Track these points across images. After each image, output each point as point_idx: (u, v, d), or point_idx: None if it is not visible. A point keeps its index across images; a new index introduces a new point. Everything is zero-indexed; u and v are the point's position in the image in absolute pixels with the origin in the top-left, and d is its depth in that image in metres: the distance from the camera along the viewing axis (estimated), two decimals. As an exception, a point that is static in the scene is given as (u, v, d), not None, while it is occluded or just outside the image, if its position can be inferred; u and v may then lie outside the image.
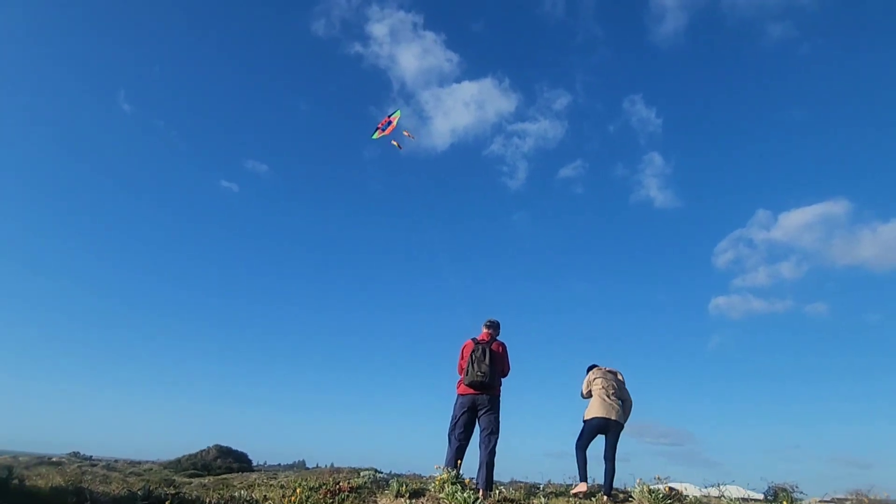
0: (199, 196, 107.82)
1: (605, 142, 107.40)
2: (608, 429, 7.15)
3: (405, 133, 11.30)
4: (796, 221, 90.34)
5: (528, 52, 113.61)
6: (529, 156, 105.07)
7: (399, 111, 11.29)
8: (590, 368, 7.90)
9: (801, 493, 6.80)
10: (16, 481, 6.47)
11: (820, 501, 6.98)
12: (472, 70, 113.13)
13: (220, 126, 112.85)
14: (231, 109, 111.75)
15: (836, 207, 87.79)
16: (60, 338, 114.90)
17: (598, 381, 7.54)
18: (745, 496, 7.80)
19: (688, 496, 6.55)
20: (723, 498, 6.74)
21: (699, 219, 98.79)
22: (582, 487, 6.94)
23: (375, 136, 11.30)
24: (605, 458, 7.01)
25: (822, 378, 79.98)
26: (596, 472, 7.18)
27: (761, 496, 7.49)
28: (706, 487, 7.72)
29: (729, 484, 7.44)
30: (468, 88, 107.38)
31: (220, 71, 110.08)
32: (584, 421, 7.30)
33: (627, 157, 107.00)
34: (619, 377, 7.71)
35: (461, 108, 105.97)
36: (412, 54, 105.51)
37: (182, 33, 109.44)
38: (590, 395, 7.54)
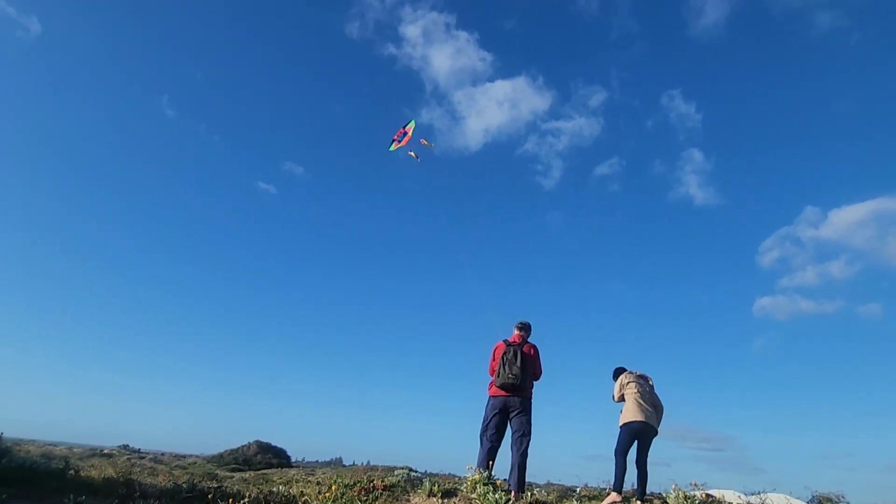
0: (239, 197, 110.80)
1: (643, 138, 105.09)
2: (645, 434, 7.02)
3: (423, 142, 11.25)
4: (848, 218, 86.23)
5: (562, 49, 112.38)
6: (564, 154, 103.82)
7: (413, 121, 11.20)
8: (618, 372, 7.76)
9: (847, 502, 6.56)
10: (72, 472, 6.87)
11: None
12: (505, 69, 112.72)
13: (258, 129, 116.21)
14: (268, 112, 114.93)
15: (890, 203, 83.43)
16: (111, 334, 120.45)
17: (632, 385, 7.40)
18: (788, 504, 7.54)
19: (725, 503, 6.40)
20: (762, 506, 6.56)
21: (742, 217, 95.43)
22: (615, 498, 6.75)
23: (392, 148, 11.25)
24: (638, 463, 6.88)
25: (876, 382, 75.93)
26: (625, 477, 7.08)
27: (804, 504, 7.26)
28: (747, 495, 7.52)
29: (770, 492, 7.23)
30: (501, 87, 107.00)
31: (257, 75, 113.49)
32: (622, 426, 7.14)
33: (666, 153, 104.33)
34: (650, 382, 7.57)
35: (494, 107, 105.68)
36: (445, 54, 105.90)
37: (220, 40, 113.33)
38: (622, 399, 7.41)
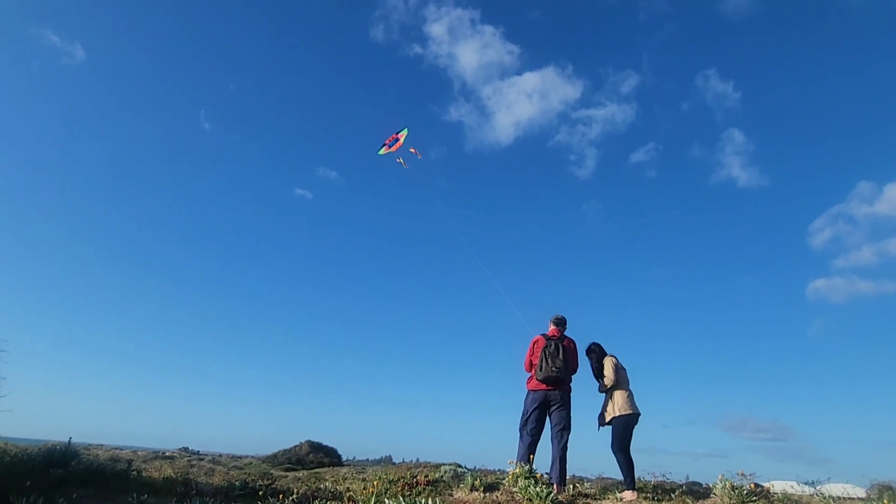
0: (279, 204, 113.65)
1: (679, 122, 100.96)
2: (636, 425, 7.00)
3: (412, 150, 11.33)
4: None
5: (590, 36, 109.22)
6: (597, 143, 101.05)
7: (406, 129, 11.34)
8: (601, 350, 7.48)
9: (911, 491, 6.25)
10: (135, 473, 7.32)
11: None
12: (533, 60, 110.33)
13: (291, 136, 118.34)
14: (300, 120, 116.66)
15: (950, 173, 77.39)
16: (168, 338, 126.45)
17: (623, 371, 7.25)
18: (846, 494, 7.24)
19: (775, 493, 6.21)
20: (816, 496, 6.33)
21: (790, 197, 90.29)
22: (632, 496, 6.58)
23: (381, 151, 11.41)
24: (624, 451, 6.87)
25: (951, 365, 70.82)
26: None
27: (864, 494, 6.96)
28: (802, 484, 7.27)
29: (827, 482, 6.97)
30: (530, 79, 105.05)
31: (286, 84, 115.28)
32: (622, 417, 6.90)
33: (704, 136, 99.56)
34: None
35: (524, 99, 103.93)
36: (471, 50, 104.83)
37: (249, 52, 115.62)
38: (614, 385, 7.13)
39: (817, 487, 6.80)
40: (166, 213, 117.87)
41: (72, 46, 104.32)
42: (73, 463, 6.80)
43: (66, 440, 8.13)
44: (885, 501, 5.48)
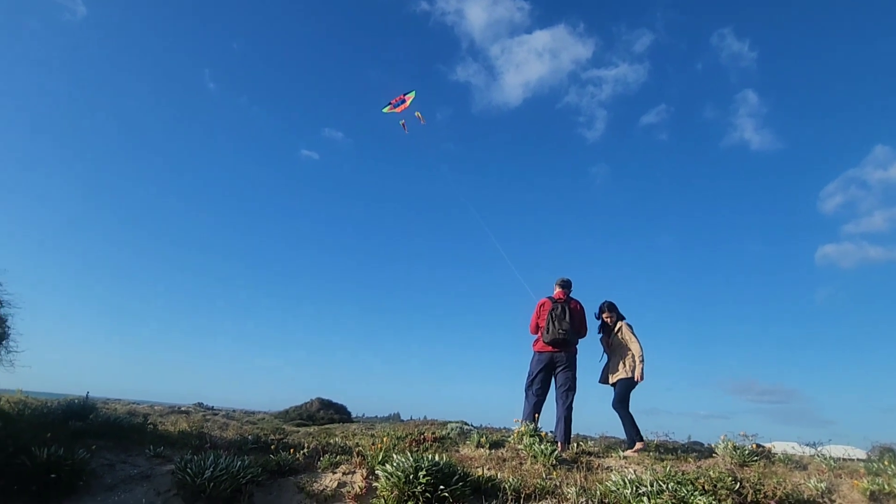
0: (286, 165, 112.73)
1: (692, 82, 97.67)
2: None
3: (417, 115, 11.21)
4: None
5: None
6: (607, 104, 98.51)
7: (414, 92, 11.23)
8: (618, 312, 7.66)
9: (911, 453, 6.32)
10: (151, 426, 7.56)
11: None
12: (543, 17, 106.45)
13: (296, 97, 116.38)
14: (305, 81, 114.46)
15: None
16: (182, 299, 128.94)
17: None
18: (847, 456, 7.36)
19: (776, 454, 6.30)
20: (817, 457, 6.42)
21: (803, 161, 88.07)
22: (642, 445, 7.01)
23: (386, 109, 11.34)
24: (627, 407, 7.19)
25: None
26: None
27: (864, 456, 7.06)
28: (803, 446, 7.39)
29: (828, 444, 7.07)
30: (540, 38, 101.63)
31: (291, 44, 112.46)
32: (630, 380, 7.19)
33: (717, 97, 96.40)
34: None
35: (534, 59, 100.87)
36: (480, 6, 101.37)
37: (254, 11, 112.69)
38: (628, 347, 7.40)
39: (818, 449, 6.91)
40: (174, 174, 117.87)
41: (73, 2, 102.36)
42: (91, 416, 7.03)
43: (84, 395, 8.41)
44: (886, 463, 5.55)
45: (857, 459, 7.23)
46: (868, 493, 4.90)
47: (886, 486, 4.91)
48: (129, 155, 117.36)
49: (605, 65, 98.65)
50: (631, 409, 7.17)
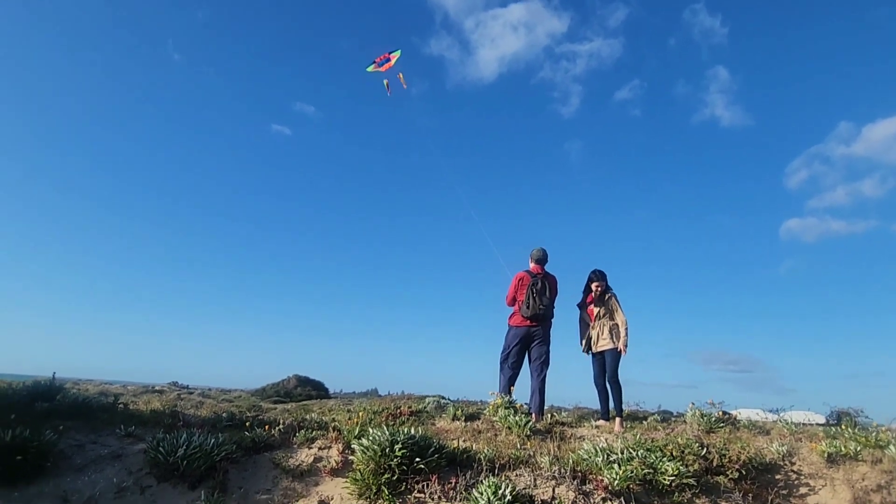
0: (256, 141, 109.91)
1: (665, 58, 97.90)
2: None
3: (399, 77, 10.93)
4: (882, 133, 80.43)
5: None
6: (582, 79, 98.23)
7: (399, 51, 10.97)
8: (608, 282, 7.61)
9: (867, 417, 6.64)
10: (121, 405, 7.43)
11: (888, 429, 6.79)
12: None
13: (266, 71, 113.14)
14: (275, 54, 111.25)
15: (928, 116, 77.12)
16: (154, 277, 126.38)
17: None
18: (807, 420, 7.69)
19: (741, 420, 6.54)
20: (779, 422, 6.69)
21: (773, 136, 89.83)
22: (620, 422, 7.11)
23: (370, 69, 11.04)
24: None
25: (913, 300, 73.75)
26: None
27: (823, 420, 7.38)
28: (767, 412, 7.67)
29: (790, 409, 7.36)
30: (515, 11, 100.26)
31: (260, 14, 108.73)
32: (619, 351, 7.19)
33: (689, 73, 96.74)
34: None
35: (509, 33, 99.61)
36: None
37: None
38: (616, 318, 7.40)
39: (780, 415, 7.20)
40: (137, 148, 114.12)
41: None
42: (58, 397, 6.86)
43: (51, 375, 8.20)
44: (843, 426, 5.81)
45: (817, 424, 7.57)
46: (826, 455, 5.13)
47: (843, 448, 5.15)
48: (86, 129, 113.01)
49: (579, 39, 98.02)
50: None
